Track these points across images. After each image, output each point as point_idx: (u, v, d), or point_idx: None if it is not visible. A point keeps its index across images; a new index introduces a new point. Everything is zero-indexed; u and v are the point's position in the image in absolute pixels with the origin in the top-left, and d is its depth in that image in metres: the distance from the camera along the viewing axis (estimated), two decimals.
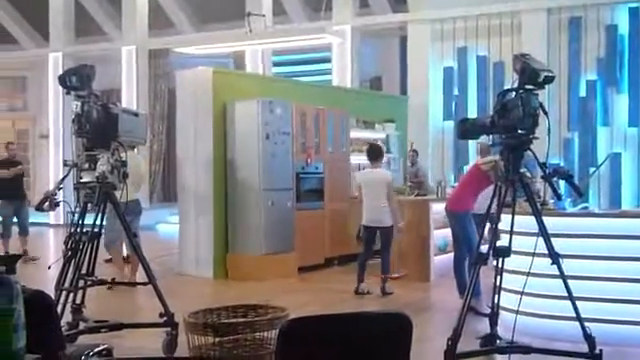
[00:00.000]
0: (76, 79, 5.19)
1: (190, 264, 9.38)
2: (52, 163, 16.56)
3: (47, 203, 5.50)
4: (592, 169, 11.39)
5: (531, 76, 4.75)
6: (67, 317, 5.53)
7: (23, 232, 11.18)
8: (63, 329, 5.14)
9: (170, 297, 5.54)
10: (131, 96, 15.64)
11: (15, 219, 11.05)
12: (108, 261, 10.10)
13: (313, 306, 7.28)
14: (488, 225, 5.11)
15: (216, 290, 8.64)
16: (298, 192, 9.68)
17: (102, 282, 5.69)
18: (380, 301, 7.69)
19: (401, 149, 12.09)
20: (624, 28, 11.80)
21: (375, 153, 8.24)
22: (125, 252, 10.22)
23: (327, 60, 14.75)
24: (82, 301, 5.65)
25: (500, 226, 5.15)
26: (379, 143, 9.70)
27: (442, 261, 8.70)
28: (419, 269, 8.74)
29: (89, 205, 5.40)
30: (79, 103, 5.21)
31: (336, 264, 10.13)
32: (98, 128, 5.29)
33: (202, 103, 9.38)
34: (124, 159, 5.38)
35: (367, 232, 8.01)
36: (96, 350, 4.38)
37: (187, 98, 9.61)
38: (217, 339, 4.17)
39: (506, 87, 5.14)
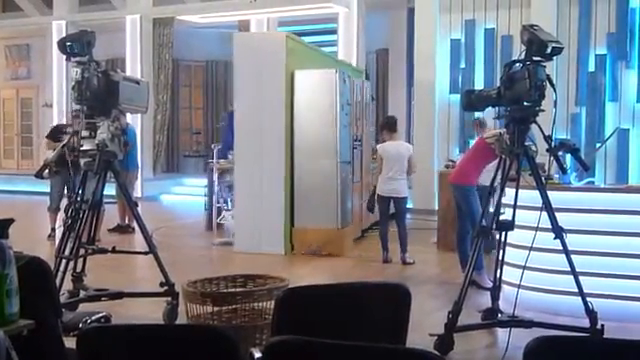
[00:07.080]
0: (76, 45, 5.11)
1: (253, 240, 8.64)
2: None
3: (47, 171, 5.48)
4: (599, 144, 11.27)
5: (539, 47, 4.67)
6: (69, 285, 5.55)
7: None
8: (63, 297, 5.16)
9: None
10: (135, 65, 15.52)
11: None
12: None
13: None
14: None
15: (303, 268, 7.96)
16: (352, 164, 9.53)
17: (102, 250, 5.67)
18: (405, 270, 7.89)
19: None
20: (635, 2, 11.60)
21: (394, 125, 8.43)
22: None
23: (332, 32, 14.59)
24: (82, 269, 5.66)
25: (504, 200, 5.11)
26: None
27: None
28: None
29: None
30: (79, 70, 5.14)
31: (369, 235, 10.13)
32: (98, 95, 5.23)
33: (270, 69, 8.66)
34: (124, 127, 5.33)
35: (382, 202, 8.22)
36: (94, 317, 4.39)
37: (250, 63, 8.80)
38: (215, 308, 4.16)
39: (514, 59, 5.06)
